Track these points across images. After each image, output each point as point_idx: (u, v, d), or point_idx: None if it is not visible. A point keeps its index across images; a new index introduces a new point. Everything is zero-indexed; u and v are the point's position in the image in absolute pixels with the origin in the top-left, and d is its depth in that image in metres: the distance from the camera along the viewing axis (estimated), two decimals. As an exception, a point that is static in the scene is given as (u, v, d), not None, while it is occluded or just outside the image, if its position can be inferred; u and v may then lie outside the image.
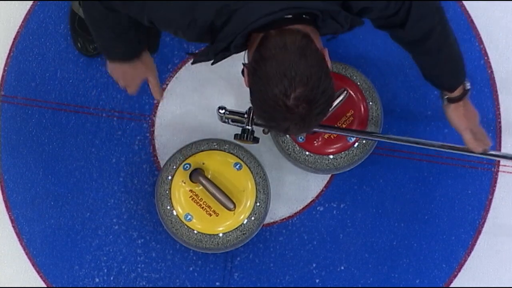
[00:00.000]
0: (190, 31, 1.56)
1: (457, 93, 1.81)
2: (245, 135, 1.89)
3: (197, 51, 1.87)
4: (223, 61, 2.31)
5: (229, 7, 1.48)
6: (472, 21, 2.30)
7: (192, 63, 1.62)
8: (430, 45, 1.68)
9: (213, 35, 1.56)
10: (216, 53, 1.58)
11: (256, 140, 1.92)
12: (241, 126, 1.92)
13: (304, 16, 1.48)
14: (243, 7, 1.47)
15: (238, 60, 2.30)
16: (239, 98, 2.26)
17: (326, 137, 2.12)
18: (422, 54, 1.72)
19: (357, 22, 1.59)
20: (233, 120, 1.94)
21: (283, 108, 1.43)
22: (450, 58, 1.75)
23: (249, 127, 1.90)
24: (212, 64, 1.61)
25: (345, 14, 1.52)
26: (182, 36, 1.60)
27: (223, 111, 1.93)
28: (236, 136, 1.91)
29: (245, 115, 1.92)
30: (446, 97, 1.82)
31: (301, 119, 1.46)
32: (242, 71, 1.57)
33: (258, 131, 1.92)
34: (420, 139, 1.99)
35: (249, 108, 1.90)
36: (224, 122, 1.97)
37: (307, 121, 1.47)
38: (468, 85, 1.81)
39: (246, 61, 1.57)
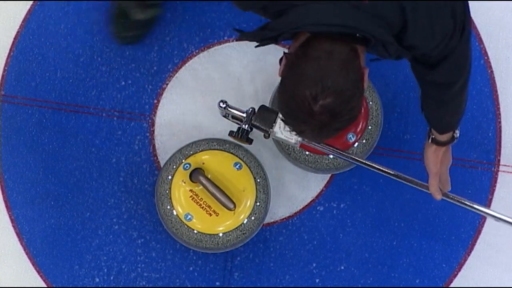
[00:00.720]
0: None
1: (445, 137, 1.79)
2: (240, 133, 1.89)
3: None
4: (225, 61, 2.32)
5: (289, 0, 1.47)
6: (472, 21, 2.29)
7: (237, 39, 1.59)
8: (447, 93, 1.67)
9: (266, 14, 1.54)
10: (264, 39, 1.55)
11: (250, 140, 1.91)
12: (239, 124, 1.92)
13: (357, 35, 1.47)
14: (303, 6, 1.45)
15: (238, 61, 2.31)
16: (239, 99, 2.26)
17: (326, 137, 2.11)
18: (434, 96, 1.71)
19: (406, 55, 1.57)
20: (233, 117, 1.94)
21: (307, 111, 1.42)
22: (456, 110, 1.74)
23: (245, 127, 1.90)
24: (256, 47, 1.58)
25: (396, 46, 1.51)
26: None
27: (224, 105, 1.93)
28: (231, 133, 1.91)
29: (244, 114, 1.91)
30: (432, 136, 1.80)
31: (320, 128, 1.45)
32: (280, 59, 1.54)
33: (256, 133, 1.92)
34: (389, 169, 1.98)
35: (250, 109, 1.90)
36: (225, 117, 1.97)
37: (324, 131, 1.46)
38: (457, 134, 1.80)
39: (287, 51, 1.55)
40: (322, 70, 1.41)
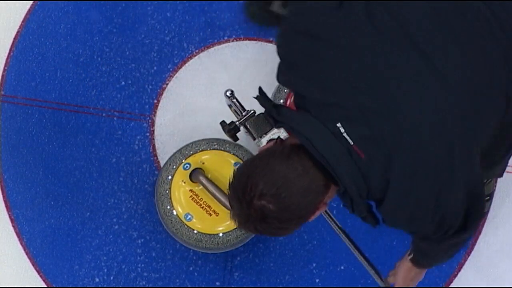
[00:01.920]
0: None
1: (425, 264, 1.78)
2: (230, 127, 1.88)
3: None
4: (225, 61, 2.32)
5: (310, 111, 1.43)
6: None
7: (256, 97, 1.58)
8: (426, 254, 1.69)
9: (293, 99, 1.54)
10: (269, 113, 1.54)
11: (235, 138, 1.90)
12: (236, 118, 1.91)
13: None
14: (314, 120, 1.42)
15: (238, 61, 2.31)
16: (239, 99, 2.26)
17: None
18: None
19: (371, 222, 1.54)
20: (234, 110, 1.95)
21: (247, 198, 1.40)
22: (438, 261, 1.74)
23: (238, 124, 1.89)
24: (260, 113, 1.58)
25: (362, 209, 1.48)
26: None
27: (230, 95, 1.93)
28: (221, 122, 1.90)
29: (244, 113, 1.91)
30: (411, 257, 1.77)
31: (245, 219, 1.43)
32: (271, 140, 1.57)
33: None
34: (361, 255, 1.96)
35: (251, 110, 1.90)
36: (229, 106, 1.97)
37: (247, 225, 1.44)
38: None
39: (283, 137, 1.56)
40: (287, 180, 1.39)
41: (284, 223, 1.42)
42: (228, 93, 1.92)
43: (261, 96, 1.55)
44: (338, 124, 1.38)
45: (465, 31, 1.38)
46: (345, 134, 1.38)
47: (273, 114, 1.50)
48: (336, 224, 1.96)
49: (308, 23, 1.44)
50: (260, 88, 1.56)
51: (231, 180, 1.45)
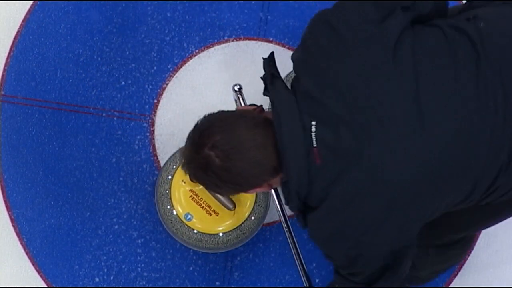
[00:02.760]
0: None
1: None
2: None
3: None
4: (225, 60, 2.32)
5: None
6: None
7: (264, 58, 1.58)
8: None
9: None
10: (264, 81, 1.56)
11: None
12: None
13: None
14: (290, 105, 1.44)
15: (238, 61, 2.31)
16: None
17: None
18: None
19: (301, 222, 1.56)
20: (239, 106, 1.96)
21: (199, 143, 1.45)
22: None
23: None
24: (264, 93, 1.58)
25: (296, 204, 1.49)
26: None
27: (238, 90, 1.94)
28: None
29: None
30: None
31: (189, 161, 1.49)
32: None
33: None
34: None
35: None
36: (235, 101, 1.98)
37: (188, 167, 1.50)
38: None
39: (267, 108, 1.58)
40: (242, 145, 1.42)
41: (221, 182, 1.46)
42: (236, 88, 1.95)
43: (268, 59, 1.56)
44: (313, 122, 1.40)
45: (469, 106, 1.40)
46: (313, 134, 1.40)
47: (267, 81, 1.52)
48: (285, 219, 1.98)
49: (341, 20, 1.46)
50: (271, 52, 1.57)
51: (198, 120, 1.50)
